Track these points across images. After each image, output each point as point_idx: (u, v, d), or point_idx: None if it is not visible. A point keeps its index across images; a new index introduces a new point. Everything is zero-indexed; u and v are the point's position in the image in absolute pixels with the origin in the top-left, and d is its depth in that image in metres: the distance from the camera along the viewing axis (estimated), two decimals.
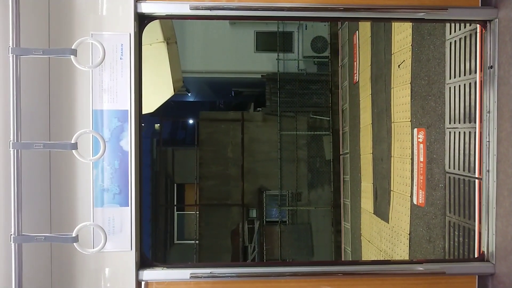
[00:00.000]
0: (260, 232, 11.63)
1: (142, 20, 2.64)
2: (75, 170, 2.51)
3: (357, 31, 8.27)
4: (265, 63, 12.32)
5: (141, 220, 2.66)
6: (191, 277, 2.60)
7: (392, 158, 6.00)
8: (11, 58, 2.20)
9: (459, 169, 4.02)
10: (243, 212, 11.85)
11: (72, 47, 2.27)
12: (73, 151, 2.27)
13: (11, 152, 2.21)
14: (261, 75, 12.07)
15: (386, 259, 6.14)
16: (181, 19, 2.78)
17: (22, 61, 2.23)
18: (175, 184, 13.18)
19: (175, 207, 13.52)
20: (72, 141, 2.26)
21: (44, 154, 2.48)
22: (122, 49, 2.51)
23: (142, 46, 2.67)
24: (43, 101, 2.49)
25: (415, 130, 5.10)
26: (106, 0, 2.52)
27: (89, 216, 2.52)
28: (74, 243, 2.31)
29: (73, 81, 2.50)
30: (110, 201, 2.53)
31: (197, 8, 2.57)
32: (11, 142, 2.21)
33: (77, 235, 2.30)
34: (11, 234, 2.22)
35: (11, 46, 2.20)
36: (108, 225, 2.52)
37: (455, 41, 4.11)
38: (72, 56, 2.26)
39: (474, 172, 3.61)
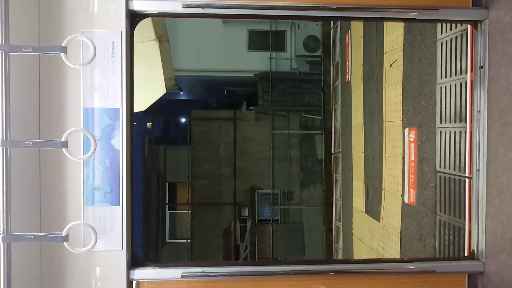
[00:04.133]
0: (252, 231, 11.64)
1: (134, 18, 2.62)
2: (65, 168, 2.49)
3: (349, 31, 8.30)
4: (258, 62, 12.32)
5: (133, 219, 2.64)
6: (182, 276, 2.59)
7: (383, 157, 6.03)
8: (0, 55, 2.17)
9: (449, 169, 4.05)
10: (235, 211, 11.85)
11: (63, 44, 2.24)
12: (63, 149, 2.24)
13: (0, 150, 2.18)
14: (254, 74, 12.08)
15: (377, 257, 6.17)
16: (173, 17, 2.77)
17: (12, 58, 2.20)
18: (167, 183, 13.14)
19: (167, 206, 13.48)
20: (62, 140, 2.23)
21: (34, 152, 2.45)
22: (113, 47, 2.49)
23: (134, 44, 2.65)
24: (33, 99, 2.46)
25: (407, 129, 5.13)
26: None
27: (80, 215, 2.49)
28: (64, 243, 2.28)
29: (63, 79, 2.47)
30: (101, 200, 2.51)
31: (189, 6, 2.56)
32: (0, 141, 2.18)
33: (67, 234, 2.27)
34: (0, 233, 2.19)
35: (0, 43, 2.17)
36: (99, 224, 2.50)
37: (446, 41, 4.14)
38: (62, 54, 2.23)
39: (465, 172, 3.64)
